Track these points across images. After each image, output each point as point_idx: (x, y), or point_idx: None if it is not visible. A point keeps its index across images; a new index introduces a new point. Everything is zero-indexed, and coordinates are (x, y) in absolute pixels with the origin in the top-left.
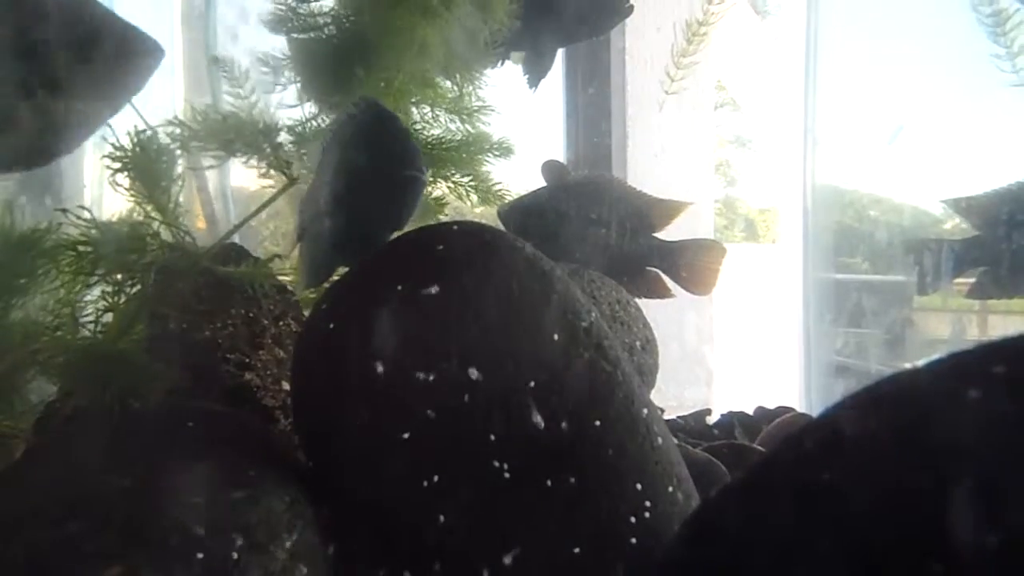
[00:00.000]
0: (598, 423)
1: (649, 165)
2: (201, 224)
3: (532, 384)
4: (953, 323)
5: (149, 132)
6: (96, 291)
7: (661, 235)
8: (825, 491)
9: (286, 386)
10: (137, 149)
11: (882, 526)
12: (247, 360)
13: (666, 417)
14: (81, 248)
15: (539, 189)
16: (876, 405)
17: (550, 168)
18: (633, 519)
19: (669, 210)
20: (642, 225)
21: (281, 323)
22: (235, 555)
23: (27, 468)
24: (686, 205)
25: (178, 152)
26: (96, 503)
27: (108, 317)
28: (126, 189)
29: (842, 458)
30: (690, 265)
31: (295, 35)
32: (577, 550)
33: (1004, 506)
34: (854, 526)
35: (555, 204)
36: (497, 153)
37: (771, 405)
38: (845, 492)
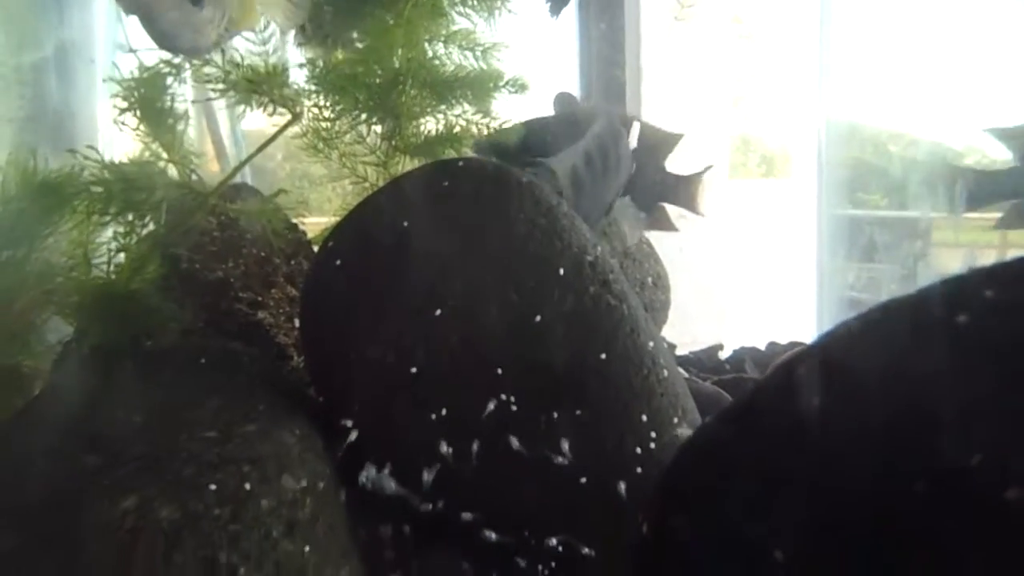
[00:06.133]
0: (603, 356)
1: (663, 99)
2: (214, 167)
3: (538, 318)
4: (968, 258)
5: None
6: (109, 232)
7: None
8: (816, 415)
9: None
10: (141, 88)
11: (869, 451)
12: (259, 299)
13: (678, 352)
14: (93, 188)
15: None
16: (867, 332)
17: (561, 100)
18: (639, 450)
19: (667, 140)
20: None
21: (293, 262)
22: (247, 486)
23: (45, 405)
24: (680, 136)
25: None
26: (111, 438)
27: (121, 258)
28: (133, 128)
29: (832, 383)
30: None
31: None
32: (583, 480)
33: (989, 428)
34: (842, 450)
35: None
36: (512, 89)
37: (783, 340)
38: (834, 417)
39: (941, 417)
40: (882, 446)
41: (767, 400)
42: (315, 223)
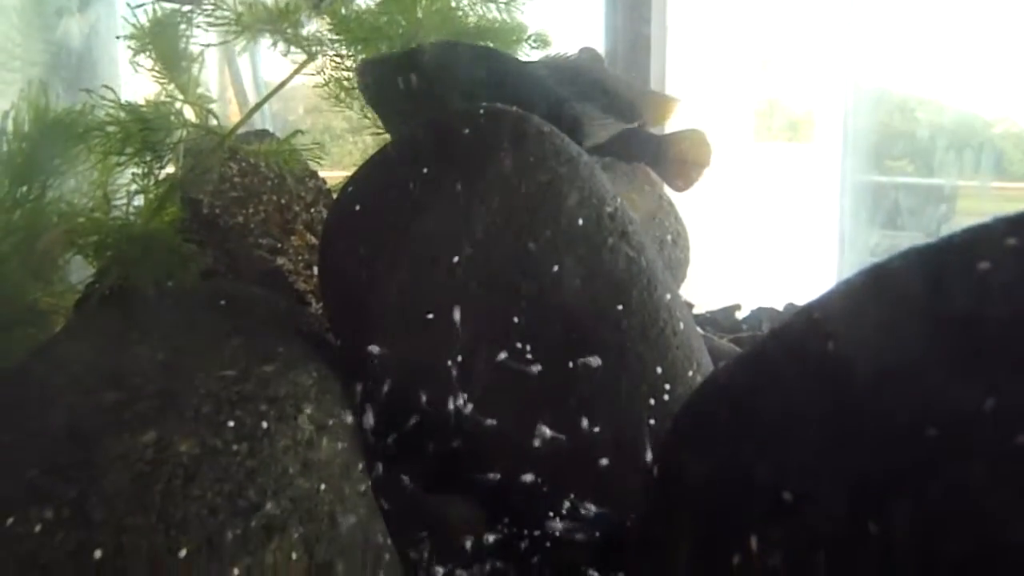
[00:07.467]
0: (620, 307)
1: (690, 59)
2: (237, 117)
3: (556, 268)
4: None
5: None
6: (128, 174)
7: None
8: (830, 359)
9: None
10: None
11: (884, 394)
12: (279, 245)
13: (696, 311)
14: (109, 129)
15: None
16: (886, 278)
17: (585, 56)
18: (652, 400)
19: (660, 103)
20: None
21: (313, 210)
22: (264, 424)
23: (68, 342)
24: (676, 101)
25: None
26: (132, 375)
27: (140, 200)
28: (148, 70)
29: (849, 327)
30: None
31: None
32: (597, 429)
33: (1006, 373)
34: (857, 393)
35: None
36: (534, 44)
37: (802, 302)
38: (849, 360)
39: (957, 362)
40: (898, 391)
41: (781, 343)
42: (335, 176)
